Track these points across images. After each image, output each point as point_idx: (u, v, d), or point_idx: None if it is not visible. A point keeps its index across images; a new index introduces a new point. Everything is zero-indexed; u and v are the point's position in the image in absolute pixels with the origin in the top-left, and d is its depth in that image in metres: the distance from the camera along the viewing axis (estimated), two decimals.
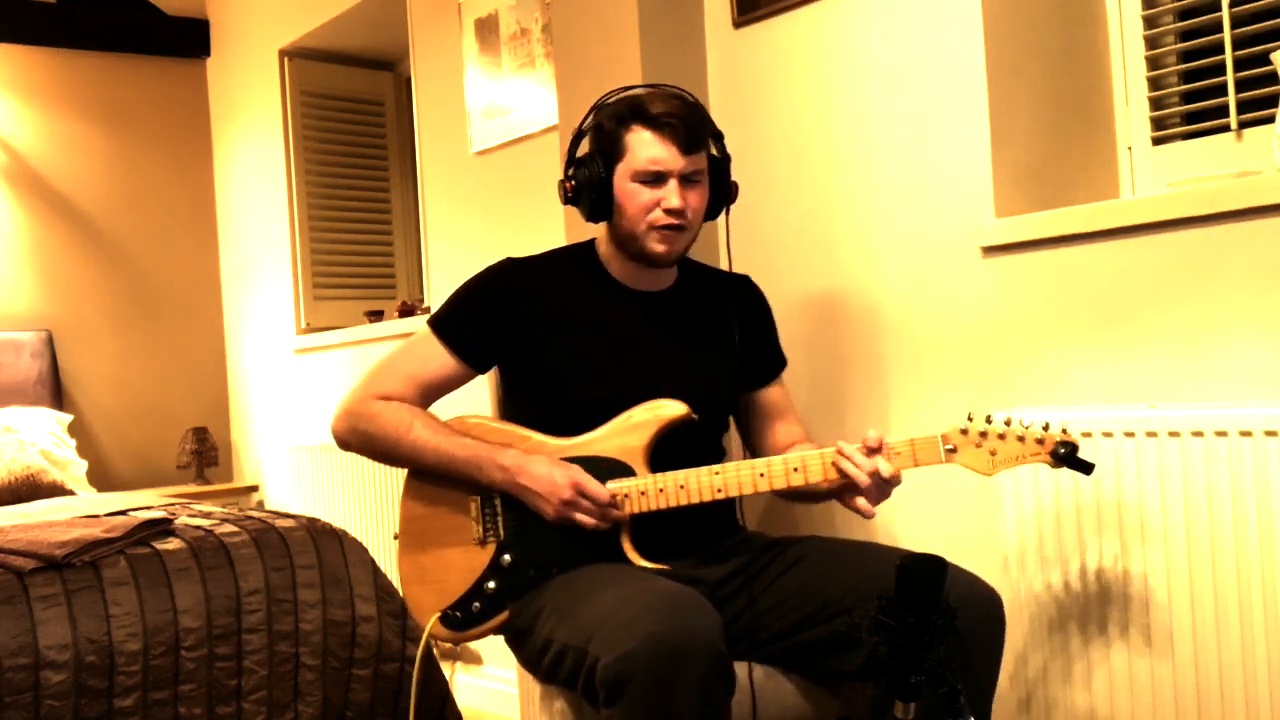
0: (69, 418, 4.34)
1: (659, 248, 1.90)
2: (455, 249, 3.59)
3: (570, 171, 1.95)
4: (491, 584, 1.86)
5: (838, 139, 2.36)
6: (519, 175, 3.31)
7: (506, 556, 1.87)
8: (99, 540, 2.29)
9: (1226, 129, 2.07)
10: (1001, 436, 1.72)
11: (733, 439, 2.11)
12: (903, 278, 2.25)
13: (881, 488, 1.76)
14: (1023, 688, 1.98)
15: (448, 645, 3.46)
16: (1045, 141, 2.17)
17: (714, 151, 1.96)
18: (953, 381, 2.18)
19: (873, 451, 1.76)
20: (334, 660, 2.37)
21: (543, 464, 1.84)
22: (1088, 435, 1.85)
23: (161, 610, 2.21)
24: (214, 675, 2.24)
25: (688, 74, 2.51)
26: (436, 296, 3.67)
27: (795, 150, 2.43)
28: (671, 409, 1.86)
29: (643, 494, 1.82)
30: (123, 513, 2.73)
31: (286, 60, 4.43)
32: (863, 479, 1.74)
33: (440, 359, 1.95)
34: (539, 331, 1.93)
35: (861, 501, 1.77)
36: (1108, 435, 1.85)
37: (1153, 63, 2.18)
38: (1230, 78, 2.05)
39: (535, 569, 1.85)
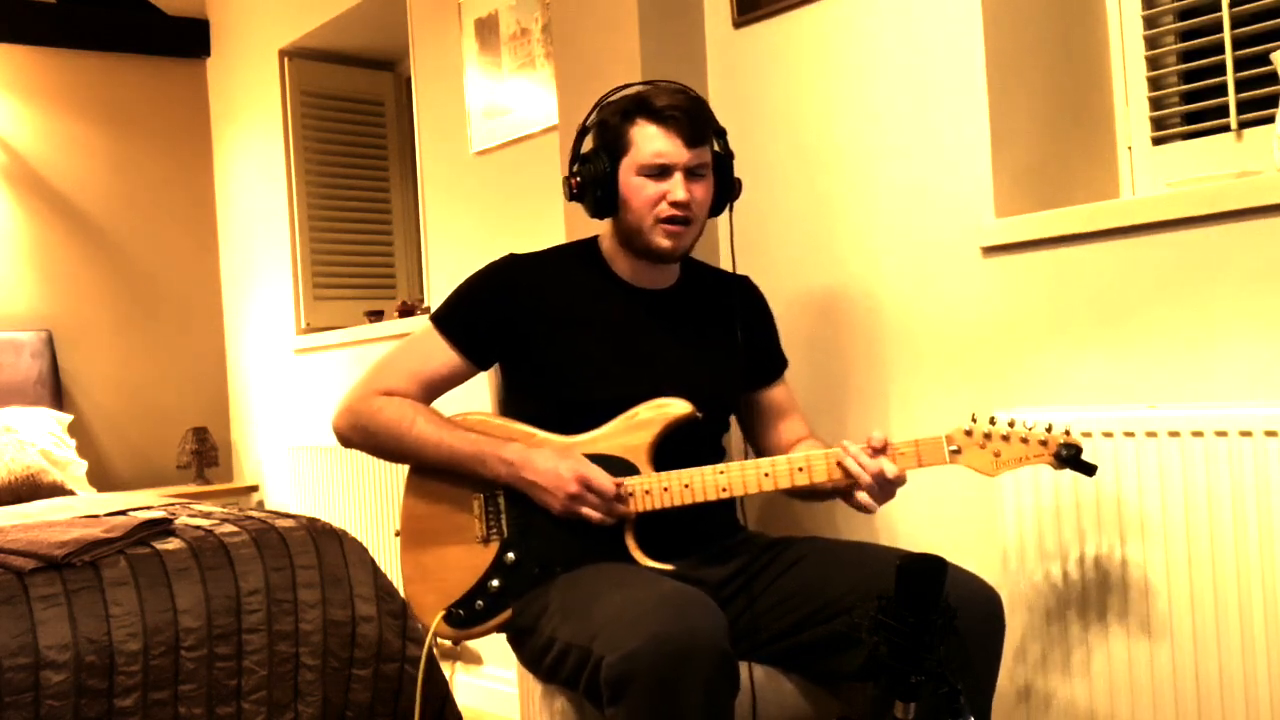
0: (69, 418, 4.34)
1: (665, 243, 1.90)
2: (455, 249, 3.59)
3: (575, 168, 1.95)
4: (495, 582, 1.86)
5: (837, 139, 2.36)
6: (519, 175, 3.31)
7: (510, 554, 1.87)
8: (99, 540, 2.29)
9: (1226, 129, 2.07)
10: (1005, 438, 1.73)
11: (733, 439, 2.11)
12: (903, 277, 2.25)
13: (885, 488, 1.77)
14: (1022, 683, 1.98)
15: (448, 645, 3.46)
16: (1045, 141, 2.17)
17: (717, 147, 1.96)
18: (953, 381, 2.18)
19: (877, 452, 1.76)
20: (334, 660, 2.37)
21: (548, 457, 1.83)
22: (1088, 435, 1.85)
23: (161, 610, 2.21)
24: (214, 675, 2.24)
25: (688, 74, 2.51)
26: (436, 296, 3.67)
27: (795, 150, 2.43)
28: (677, 407, 1.86)
29: (647, 492, 1.82)
30: (123, 513, 2.73)
31: (286, 60, 4.43)
32: (865, 479, 1.75)
33: (443, 355, 1.94)
34: (542, 328, 1.93)
35: (863, 496, 1.77)
36: (1108, 435, 1.85)
37: (1153, 63, 2.18)
38: (1230, 78, 2.05)
39: (539, 567, 1.85)
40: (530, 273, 1.98)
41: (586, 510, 1.81)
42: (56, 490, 3.84)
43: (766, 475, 1.81)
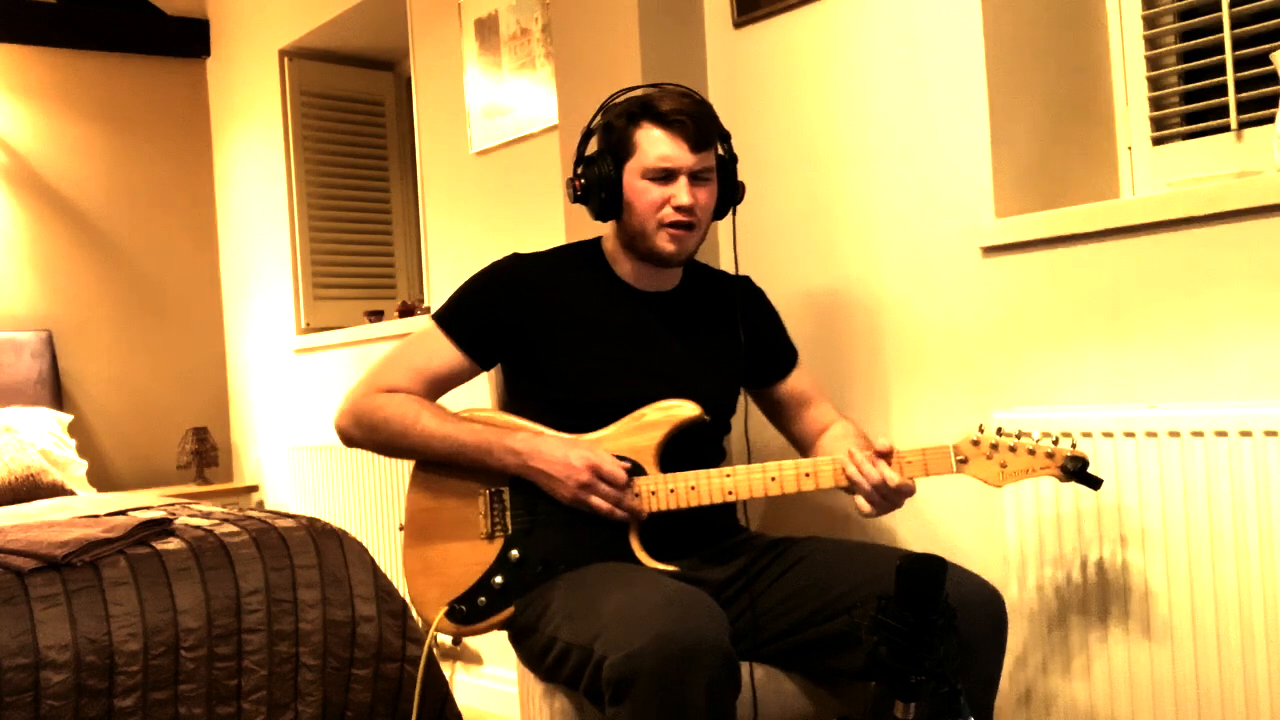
0: (69, 418, 4.34)
1: (669, 247, 1.90)
2: (455, 249, 3.59)
3: (579, 170, 1.95)
4: (498, 579, 1.86)
5: (837, 139, 2.36)
6: (519, 175, 3.31)
7: (514, 552, 1.87)
8: (99, 540, 2.29)
9: (1226, 129, 2.07)
10: (1012, 449, 1.73)
11: (733, 441, 2.11)
12: (903, 278, 2.26)
13: (889, 496, 1.77)
14: (1023, 685, 1.98)
15: (448, 644, 3.46)
16: (1045, 141, 2.17)
17: (721, 151, 1.96)
18: (953, 381, 2.18)
19: (880, 457, 1.76)
20: (334, 660, 2.37)
21: (557, 445, 1.83)
22: (1088, 435, 1.86)
23: (161, 610, 2.21)
24: (214, 675, 2.25)
25: (688, 74, 2.51)
26: (437, 296, 3.67)
27: (795, 150, 2.43)
28: (686, 409, 1.86)
29: (653, 493, 1.83)
30: (123, 513, 2.73)
31: (286, 60, 4.43)
32: (864, 486, 1.75)
33: (445, 353, 1.94)
34: (545, 328, 1.93)
35: (862, 502, 1.78)
36: (1108, 435, 1.85)
37: (1153, 63, 2.18)
38: (1230, 78, 2.05)
39: (543, 565, 1.85)
40: (533, 273, 1.98)
41: (596, 500, 1.80)
42: (56, 490, 3.84)
43: (773, 480, 1.81)
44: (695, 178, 1.89)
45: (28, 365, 4.41)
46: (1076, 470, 1.69)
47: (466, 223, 3.54)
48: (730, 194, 1.97)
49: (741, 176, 2.01)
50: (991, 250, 2.12)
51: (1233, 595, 1.72)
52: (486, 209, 3.45)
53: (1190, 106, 2.14)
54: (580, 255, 2.03)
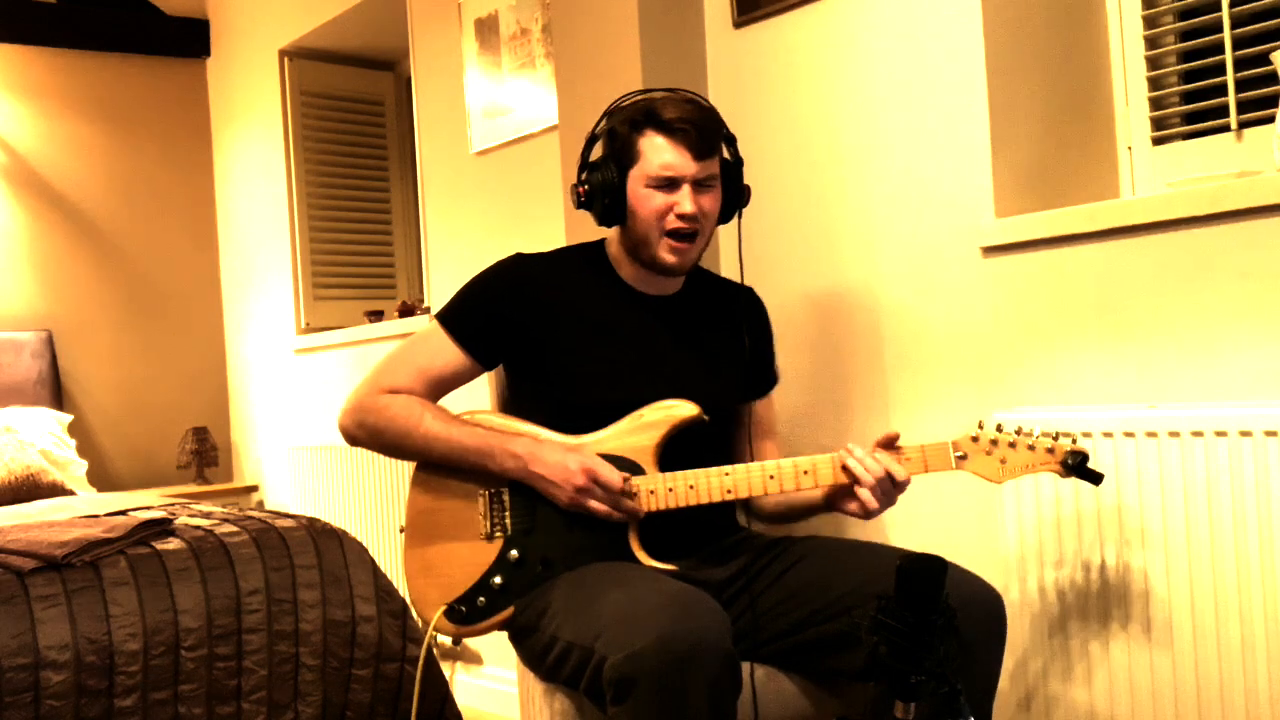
0: (69, 418, 4.34)
1: (670, 259, 1.90)
2: (455, 249, 3.59)
3: (583, 176, 1.94)
4: (498, 579, 1.86)
5: (838, 139, 2.36)
6: (519, 175, 3.31)
7: (514, 552, 1.87)
8: (99, 540, 2.29)
9: (1226, 129, 2.07)
10: (1012, 445, 1.73)
11: (734, 448, 2.10)
12: (903, 278, 2.26)
13: (889, 491, 1.77)
14: (1023, 686, 1.98)
15: (448, 644, 3.46)
16: (1045, 141, 2.17)
17: (727, 154, 1.96)
18: (953, 381, 2.18)
19: (888, 446, 1.76)
20: (334, 660, 2.37)
21: (556, 451, 1.83)
22: (1088, 435, 1.86)
23: (161, 610, 2.22)
24: (214, 675, 2.25)
25: (688, 74, 2.51)
26: (437, 296, 3.68)
27: (795, 151, 2.43)
28: (684, 409, 1.86)
29: (652, 493, 1.83)
30: (123, 513, 2.73)
31: (286, 60, 4.43)
32: (868, 479, 1.75)
33: (448, 353, 1.94)
34: (547, 329, 1.93)
35: (865, 494, 1.76)
36: (1108, 435, 1.85)
37: (1153, 63, 2.18)
38: (1230, 78, 2.05)
39: (542, 565, 1.85)
40: (537, 273, 1.98)
41: (593, 504, 1.81)
42: (56, 490, 3.84)
43: (772, 477, 1.81)
44: (699, 185, 1.88)
45: (28, 365, 4.41)
46: (1076, 465, 1.69)
47: (466, 223, 3.54)
48: (735, 198, 1.97)
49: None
50: (992, 250, 2.12)
51: (1233, 595, 1.72)
52: (486, 209, 3.45)
53: (1190, 106, 2.14)
54: (583, 257, 2.03)
